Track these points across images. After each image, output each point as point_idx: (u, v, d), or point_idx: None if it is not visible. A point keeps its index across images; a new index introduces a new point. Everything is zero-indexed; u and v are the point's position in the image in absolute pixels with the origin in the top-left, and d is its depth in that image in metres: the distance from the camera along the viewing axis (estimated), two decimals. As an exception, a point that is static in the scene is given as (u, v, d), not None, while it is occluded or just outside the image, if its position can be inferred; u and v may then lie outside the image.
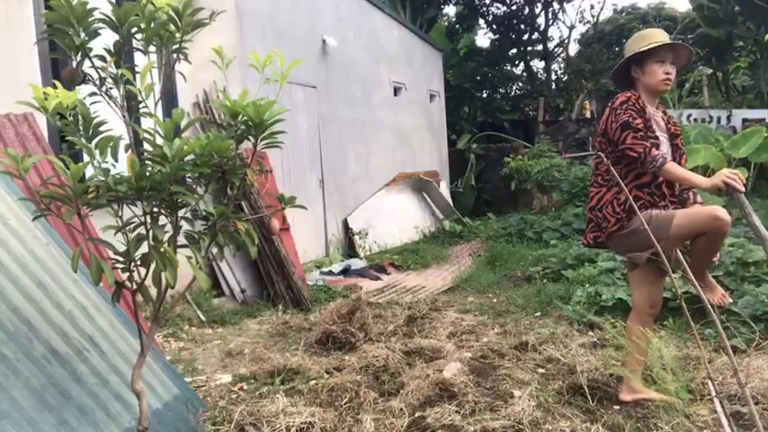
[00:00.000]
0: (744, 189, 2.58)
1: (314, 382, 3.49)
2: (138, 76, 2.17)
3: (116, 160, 2.04)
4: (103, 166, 2.01)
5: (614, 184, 2.93)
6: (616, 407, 3.10)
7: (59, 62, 4.26)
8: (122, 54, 2.18)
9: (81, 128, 2.02)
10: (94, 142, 2.01)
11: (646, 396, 3.07)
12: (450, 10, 19.17)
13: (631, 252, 2.94)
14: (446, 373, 3.53)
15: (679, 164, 2.95)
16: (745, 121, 11.55)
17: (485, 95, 18.01)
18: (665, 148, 2.94)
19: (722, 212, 2.68)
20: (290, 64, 2.23)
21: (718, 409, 2.37)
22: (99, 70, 2.19)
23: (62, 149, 4.16)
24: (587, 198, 3.14)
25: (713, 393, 2.53)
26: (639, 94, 2.97)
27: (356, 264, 7.84)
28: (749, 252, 4.83)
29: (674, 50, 2.97)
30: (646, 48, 2.91)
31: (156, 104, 2.23)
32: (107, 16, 2.12)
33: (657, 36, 2.97)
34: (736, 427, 2.63)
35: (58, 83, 2.04)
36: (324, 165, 8.17)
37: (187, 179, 2.25)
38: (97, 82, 2.20)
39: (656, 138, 2.89)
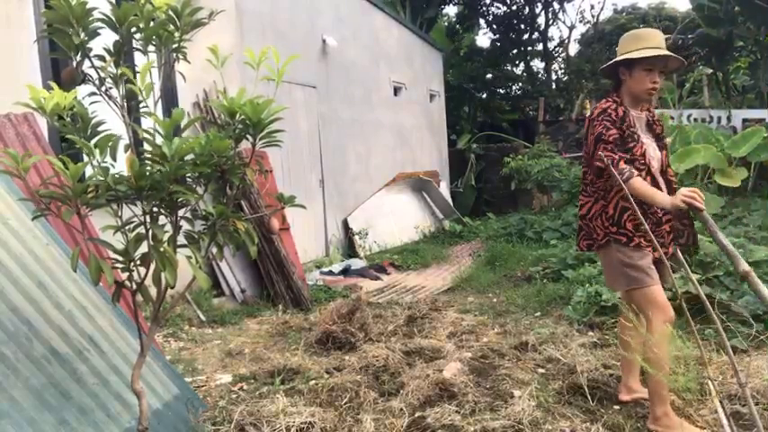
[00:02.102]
0: (704, 207, 2.55)
1: (314, 382, 3.49)
2: (137, 75, 2.17)
3: (114, 160, 2.04)
4: (103, 165, 2.01)
5: (601, 197, 2.89)
6: (616, 407, 3.09)
7: (59, 62, 4.26)
8: (122, 54, 2.18)
9: (79, 128, 2.02)
10: (93, 142, 2.01)
11: (644, 395, 3.07)
12: (451, 10, 19.21)
13: (608, 276, 2.98)
14: (446, 373, 3.53)
15: (662, 160, 2.93)
16: (745, 121, 11.54)
17: (485, 95, 18.01)
18: (651, 150, 2.88)
19: (665, 316, 2.72)
20: (285, 61, 2.23)
21: (719, 409, 2.37)
22: (98, 70, 2.18)
23: (62, 149, 4.16)
24: (578, 205, 3.08)
25: (713, 393, 2.53)
26: (623, 97, 2.91)
27: (356, 264, 7.84)
28: (749, 252, 4.83)
29: (665, 57, 2.89)
30: (636, 56, 2.83)
31: (155, 104, 2.23)
32: (106, 16, 2.12)
33: (652, 39, 2.88)
34: (736, 427, 2.62)
35: (54, 84, 2.04)
36: (324, 165, 8.17)
37: (187, 179, 2.25)
38: (97, 82, 2.20)
39: (632, 150, 2.80)
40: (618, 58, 2.91)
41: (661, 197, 2.67)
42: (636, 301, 2.81)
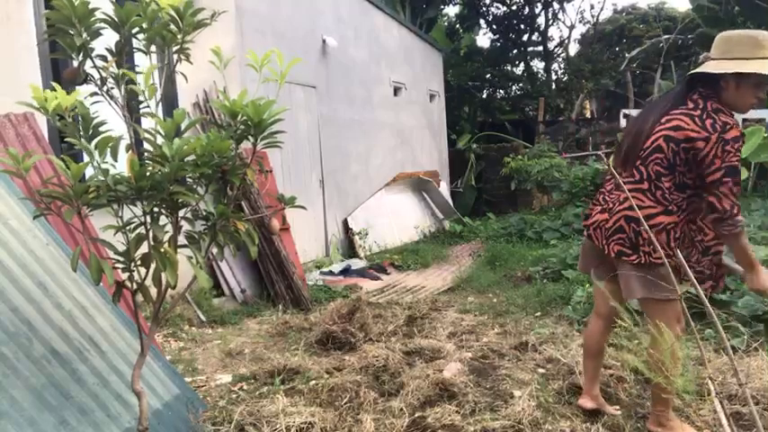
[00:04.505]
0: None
1: (314, 382, 3.49)
2: (140, 76, 2.17)
3: (115, 160, 2.04)
4: (103, 166, 2.01)
5: (673, 212, 2.52)
6: (616, 406, 3.09)
7: (60, 62, 4.26)
8: (124, 54, 2.18)
9: (81, 128, 2.02)
10: (94, 143, 2.01)
11: (604, 408, 3.02)
12: (451, 10, 19.22)
13: (639, 285, 2.62)
14: (446, 373, 3.53)
15: None
16: (745, 120, 11.55)
17: (485, 95, 18.02)
18: None
19: (681, 326, 2.62)
20: (289, 63, 2.23)
21: (718, 409, 2.37)
22: (100, 70, 2.19)
23: (62, 149, 4.16)
24: (617, 196, 2.68)
25: (713, 393, 2.52)
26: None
27: (356, 264, 7.84)
28: (749, 252, 4.83)
29: None
30: (760, 71, 2.38)
31: (157, 105, 2.23)
32: (109, 16, 2.12)
33: None
34: (736, 427, 2.63)
35: (57, 85, 2.04)
36: (324, 165, 8.17)
37: (187, 179, 2.25)
38: (98, 82, 2.20)
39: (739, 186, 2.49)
40: (740, 69, 2.41)
41: (755, 260, 2.50)
42: (660, 310, 2.61)
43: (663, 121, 2.56)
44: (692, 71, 2.58)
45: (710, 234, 2.59)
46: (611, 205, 2.71)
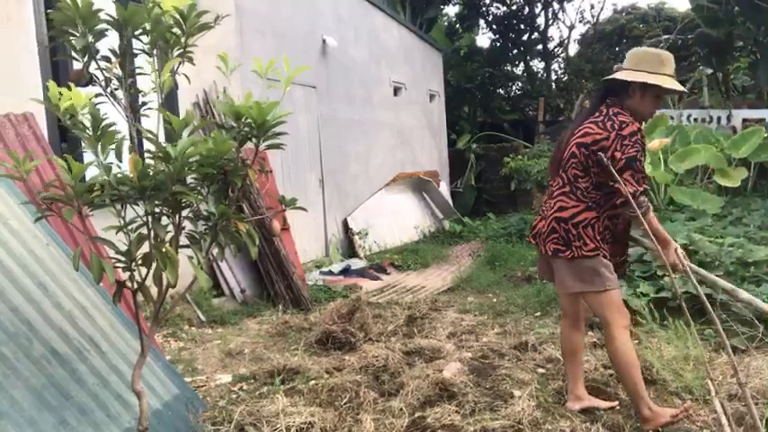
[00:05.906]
0: (683, 268, 2.78)
1: (314, 382, 3.49)
2: (139, 77, 2.18)
3: (120, 160, 2.05)
4: (105, 164, 2.01)
5: (593, 207, 2.82)
6: (616, 406, 3.09)
7: (59, 62, 4.26)
8: (127, 56, 2.19)
9: (90, 128, 2.02)
10: (101, 142, 2.01)
11: (594, 404, 3.07)
12: (451, 10, 19.20)
13: (573, 280, 2.88)
14: (446, 373, 3.53)
15: None
16: (745, 121, 11.55)
17: (485, 95, 18.01)
18: None
19: (627, 318, 2.87)
20: (294, 71, 2.26)
21: (718, 409, 2.37)
22: (104, 71, 2.19)
23: (62, 150, 4.16)
24: (550, 204, 2.95)
25: (713, 393, 2.53)
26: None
27: (356, 264, 7.84)
28: (749, 252, 4.83)
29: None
30: (670, 86, 2.80)
31: (160, 104, 2.23)
32: (112, 17, 2.12)
33: (671, 65, 2.87)
34: (737, 427, 2.63)
35: (71, 85, 2.05)
36: (324, 165, 8.17)
37: (189, 180, 2.26)
38: (102, 83, 2.20)
39: (646, 179, 2.83)
40: (647, 80, 2.78)
41: (666, 236, 2.82)
42: (602, 302, 2.85)
43: (576, 132, 2.92)
44: (606, 77, 2.97)
45: (620, 225, 2.92)
46: (546, 212, 3.01)
